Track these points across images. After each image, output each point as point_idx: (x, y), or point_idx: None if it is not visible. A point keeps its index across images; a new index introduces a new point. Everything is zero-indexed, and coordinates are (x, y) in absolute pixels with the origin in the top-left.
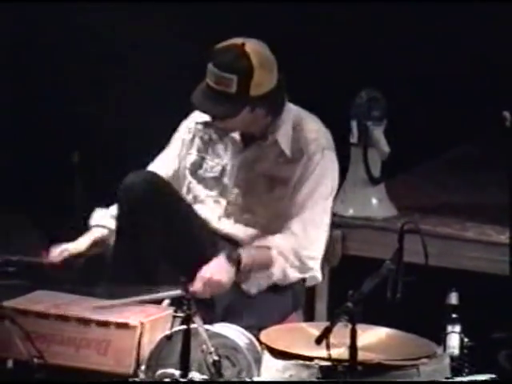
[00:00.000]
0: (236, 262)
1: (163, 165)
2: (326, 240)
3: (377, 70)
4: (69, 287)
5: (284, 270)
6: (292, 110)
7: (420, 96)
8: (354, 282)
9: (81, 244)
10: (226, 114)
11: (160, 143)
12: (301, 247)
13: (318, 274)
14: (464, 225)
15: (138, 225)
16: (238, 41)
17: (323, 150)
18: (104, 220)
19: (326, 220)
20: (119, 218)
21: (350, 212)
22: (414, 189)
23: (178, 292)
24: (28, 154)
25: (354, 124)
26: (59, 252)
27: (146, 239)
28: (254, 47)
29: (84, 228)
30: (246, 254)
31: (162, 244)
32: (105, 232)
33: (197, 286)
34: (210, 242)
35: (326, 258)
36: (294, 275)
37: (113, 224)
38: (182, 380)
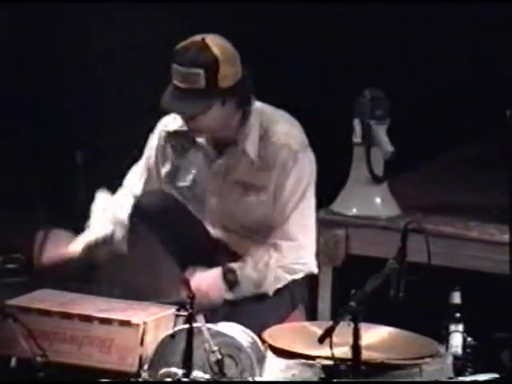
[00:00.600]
0: (230, 282)
1: (139, 178)
2: (315, 235)
3: (380, 69)
4: (73, 286)
5: (276, 277)
6: (259, 112)
7: (424, 95)
8: (357, 282)
9: (75, 248)
10: (198, 111)
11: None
12: (291, 258)
13: (313, 268)
14: (467, 224)
15: (153, 243)
16: (197, 37)
17: (295, 155)
18: (102, 225)
19: (311, 219)
20: (133, 234)
21: (353, 211)
22: (418, 188)
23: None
24: (31, 154)
25: (356, 123)
26: (52, 255)
27: (160, 254)
28: (214, 40)
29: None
30: (240, 274)
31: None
32: (100, 236)
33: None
34: (211, 250)
35: (329, 258)
36: (285, 277)
37: (110, 229)
38: (184, 380)
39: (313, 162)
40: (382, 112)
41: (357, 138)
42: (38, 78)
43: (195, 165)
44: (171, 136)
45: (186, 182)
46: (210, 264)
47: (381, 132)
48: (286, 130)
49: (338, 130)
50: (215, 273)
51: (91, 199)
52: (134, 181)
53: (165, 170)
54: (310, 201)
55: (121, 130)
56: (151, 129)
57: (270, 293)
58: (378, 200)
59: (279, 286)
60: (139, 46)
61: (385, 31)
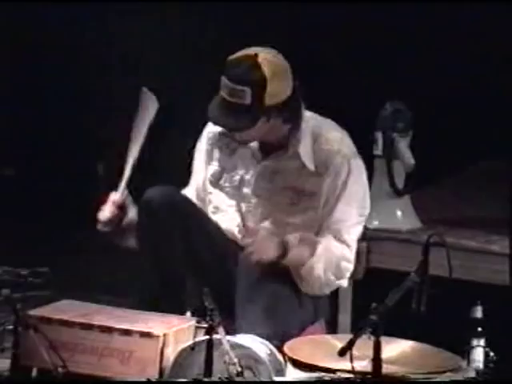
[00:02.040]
0: (283, 251)
1: (195, 182)
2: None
3: (403, 81)
4: (94, 297)
5: (325, 271)
6: (310, 119)
7: (447, 109)
8: (378, 295)
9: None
10: (241, 127)
11: (182, 154)
12: (342, 259)
13: (346, 281)
14: (489, 238)
15: (158, 239)
16: (250, 51)
17: (349, 161)
18: None
19: (361, 229)
20: (139, 232)
21: (375, 224)
22: (439, 201)
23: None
24: (52, 166)
25: (378, 136)
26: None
27: (166, 252)
28: (266, 57)
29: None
30: (294, 249)
31: (183, 256)
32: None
33: (247, 240)
34: (232, 253)
35: None
36: (330, 278)
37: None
38: (186, 380)
39: (364, 169)
40: (404, 124)
41: (378, 150)
42: (60, 88)
43: (242, 165)
44: (218, 137)
45: (232, 182)
46: (224, 265)
47: (403, 145)
48: (338, 137)
49: (360, 143)
50: (273, 238)
51: None
52: (188, 188)
53: (211, 170)
54: (365, 210)
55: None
56: (171, 140)
57: (317, 292)
58: (400, 213)
59: (328, 289)
60: (164, 57)
61: (408, 43)
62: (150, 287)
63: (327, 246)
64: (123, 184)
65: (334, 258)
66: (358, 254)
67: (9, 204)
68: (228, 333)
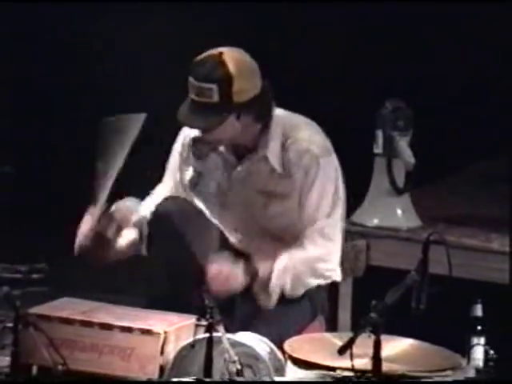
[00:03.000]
0: (251, 274)
1: (165, 187)
2: (342, 244)
3: (403, 79)
4: (94, 295)
5: (300, 280)
6: (281, 119)
7: (447, 107)
8: (378, 293)
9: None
10: (211, 125)
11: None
12: (317, 261)
13: (338, 276)
14: (489, 236)
15: (174, 251)
16: (215, 51)
17: (317, 159)
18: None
19: (339, 227)
20: (153, 242)
21: (375, 222)
22: (440, 200)
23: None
24: (52, 163)
25: (378, 134)
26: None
27: (180, 261)
28: (231, 55)
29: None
30: (262, 269)
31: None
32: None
33: (210, 274)
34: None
35: (350, 269)
36: (311, 282)
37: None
38: (190, 380)
39: (337, 167)
40: (404, 123)
41: (378, 148)
42: (60, 85)
43: (216, 171)
44: (192, 142)
45: (208, 188)
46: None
47: (403, 143)
48: (307, 136)
49: (360, 141)
50: (238, 262)
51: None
52: (160, 190)
53: (188, 176)
54: (337, 207)
55: (143, 139)
56: (169, 138)
57: (293, 295)
58: (400, 211)
59: (303, 290)
60: (167, 55)
61: (407, 42)
62: (155, 288)
63: (291, 255)
64: (102, 199)
65: (303, 264)
66: (358, 252)
67: (8, 201)
68: (228, 331)
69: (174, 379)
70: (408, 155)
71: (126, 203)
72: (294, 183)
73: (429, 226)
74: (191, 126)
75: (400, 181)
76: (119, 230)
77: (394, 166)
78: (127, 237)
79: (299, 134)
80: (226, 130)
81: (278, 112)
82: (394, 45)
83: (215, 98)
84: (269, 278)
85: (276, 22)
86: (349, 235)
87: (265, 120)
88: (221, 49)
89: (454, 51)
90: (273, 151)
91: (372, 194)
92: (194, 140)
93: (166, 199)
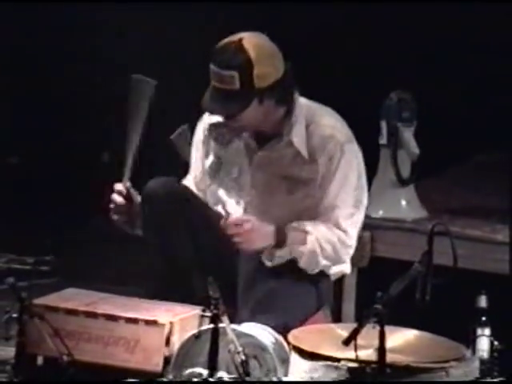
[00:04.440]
0: (279, 240)
1: (195, 174)
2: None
3: (407, 71)
4: (99, 286)
5: (316, 256)
6: (304, 106)
7: (452, 98)
8: (383, 284)
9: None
10: (234, 112)
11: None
12: (338, 241)
13: (347, 268)
14: (494, 227)
15: (162, 230)
16: (235, 37)
17: (342, 146)
18: None
19: (360, 214)
20: (143, 223)
21: (380, 213)
22: (445, 191)
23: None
24: (57, 155)
25: (383, 125)
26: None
27: (171, 242)
28: (251, 40)
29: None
30: (290, 237)
31: (188, 245)
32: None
33: (233, 220)
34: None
35: (355, 259)
36: (325, 264)
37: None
38: (196, 380)
39: (360, 155)
40: (409, 114)
41: (383, 140)
42: (66, 78)
43: (238, 157)
44: (213, 128)
45: (230, 174)
46: (226, 253)
47: (408, 134)
48: (332, 122)
49: (365, 132)
50: (270, 226)
51: None
52: (187, 180)
53: (208, 162)
54: (361, 193)
55: (146, 131)
56: (174, 128)
57: (308, 270)
58: (404, 202)
59: (317, 269)
60: (164, 45)
61: (412, 33)
62: (157, 277)
63: (321, 232)
64: (126, 173)
65: (328, 244)
66: (363, 243)
67: (14, 193)
68: (232, 321)
69: (177, 376)
70: (413, 146)
71: None
72: (317, 168)
73: (433, 217)
74: (214, 113)
75: (405, 172)
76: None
77: (399, 157)
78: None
79: (322, 120)
80: (249, 115)
81: (301, 100)
82: (399, 36)
83: (237, 84)
84: (295, 248)
85: (280, 12)
86: None
87: (288, 104)
88: (241, 34)
89: (458, 43)
90: (297, 136)
91: (377, 185)
92: (216, 126)
93: (154, 179)
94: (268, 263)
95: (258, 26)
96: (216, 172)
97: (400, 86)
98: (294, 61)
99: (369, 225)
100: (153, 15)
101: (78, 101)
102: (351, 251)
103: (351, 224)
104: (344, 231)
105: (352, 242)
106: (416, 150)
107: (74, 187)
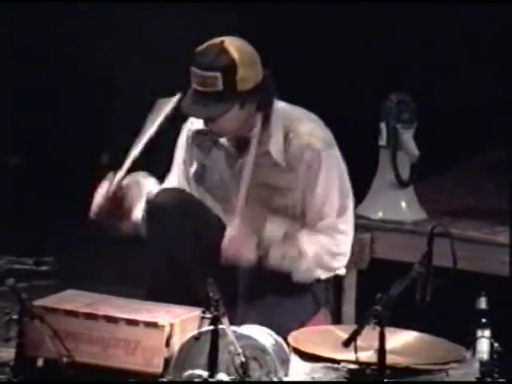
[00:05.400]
0: (263, 251)
1: (176, 178)
2: (353, 235)
3: (407, 72)
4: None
5: (310, 269)
6: (283, 112)
7: (451, 99)
8: (382, 285)
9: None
10: (216, 114)
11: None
12: (329, 255)
13: (342, 271)
14: (494, 229)
15: (170, 241)
16: (216, 40)
17: (320, 154)
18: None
19: (347, 219)
20: (150, 233)
21: (379, 215)
22: (444, 192)
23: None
24: (58, 155)
25: (383, 126)
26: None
27: (178, 252)
28: (233, 43)
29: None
30: (274, 248)
31: (193, 255)
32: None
33: (224, 245)
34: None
35: (354, 261)
36: (318, 274)
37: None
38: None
39: (339, 159)
40: (408, 116)
41: (383, 141)
42: (66, 79)
43: (219, 164)
44: (196, 135)
45: (212, 181)
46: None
47: (407, 136)
48: (309, 129)
49: (365, 134)
50: (252, 236)
51: None
52: (167, 184)
53: (192, 169)
54: (348, 200)
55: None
56: (174, 128)
57: (299, 280)
58: (404, 204)
59: (309, 279)
60: (165, 47)
61: (412, 35)
62: (159, 280)
63: (309, 243)
64: (120, 173)
65: (315, 255)
66: (363, 245)
67: (13, 193)
68: (232, 323)
69: (177, 377)
70: (412, 147)
71: (140, 178)
72: (296, 177)
73: (433, 219)
74: (196, 116)
75: (404, 173)
76: (132, 202)
77: (399, 159)
78: (137, 212)
79: (301, 128)
80: (229, 119)
81: (280, 105)
82: (398, 38)
83: (219, 86)
84: (278, 261)
85: (278, 12)
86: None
87: (267, 109)
88: (221, 38)
89: (457, 44)
90: (275, 145)
91: (376, 187)
92: (198, 132)
93: (163, 190)
94: (269, 264)
95: (257, 25)
96: (200, 178)
97: (399, 87)
98: (291, 62)
99: (368, 226)
100: (152, 15)
101: (78, 101)
102: (343, 258)
103: (338, 231)
104: (332, 239)
105: (341, 249)
106: (416, 152)
107: (74, 188)
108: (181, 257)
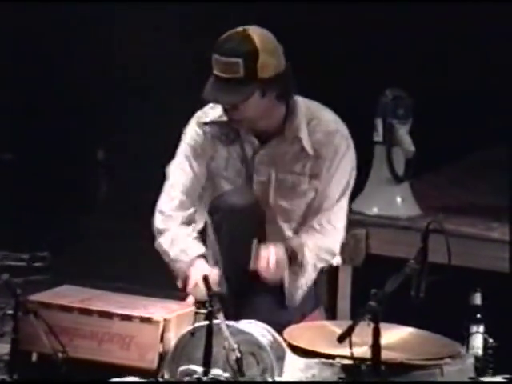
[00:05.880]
0: (290, 256)
1: (188, 172)
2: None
3: (403, 68)
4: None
5: (317, 267)
6: (302, 103)
7: (447, 95)
8: (377, 281)
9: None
10: (237, 100)
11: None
12: (331, 241)
13: (338, 260)
14: (488, 225)
15: (238, 242)
16: (239, 28)
17: (347, 140)
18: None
19: (345, 214)
20: (219, 232)
21: (374, 211)
22: (439, 189)
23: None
24: (53, 152)
25: (378, 122)
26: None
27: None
28: (256, 31)
29: (107, 226)
30: (297, 252)
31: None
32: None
33: (262, 264)
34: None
35: (349, 257)
36: (320, 266)
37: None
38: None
39: (354, 153)
40: (404, 111)
41: (378, 137)
42: (62, 76)
43: (242, 155)
44: (210, 126)
45: (234, 172)
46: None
47: (403, 132)
48: (333, 117)
49: (360, 129)
50: (278, 247)
51: (112, 195)
52: (183, 181)
53: (213, 160)
54: (346, 193)
55: (141, 129)
56: (171, 126)
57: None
58: (399, 200)
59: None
60: (164, 45)
61: (408, 30)
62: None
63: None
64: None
65: (318, 262)
66: (358, 240)
67: (8, 189)
68: (228, 319)
69: (172, 372)
70: (408, 143)
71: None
72: (322, 163)
73: (428, 215)
74: (218, 103)
75: (400, 169)
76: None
77: (394, 155)
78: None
79: (323, 116)
80: (251, 107)
81: (299, 98)
82: (394, 34)
83: (241, 72)
84: (301, 261)
85: (274, 9)
86: (348, 224)
87: (287, 100)
88: (244, 26)
89: (454, 40)
90: (302, 131)
91: (372, 183)
92: (214, 123)
93: (234, 192)
94: (298, 298)
95: (255, 22)
96: (220, 169)
97: (395, 83)
98: (290, 59)
99: (363, 222)
100: (152, 15)
101: (74, 98)
102: (338, 250)
103: (341, 222)
104: (334, 232)
105: (339, 243)
106: (411, 148)
107: (69, 184)
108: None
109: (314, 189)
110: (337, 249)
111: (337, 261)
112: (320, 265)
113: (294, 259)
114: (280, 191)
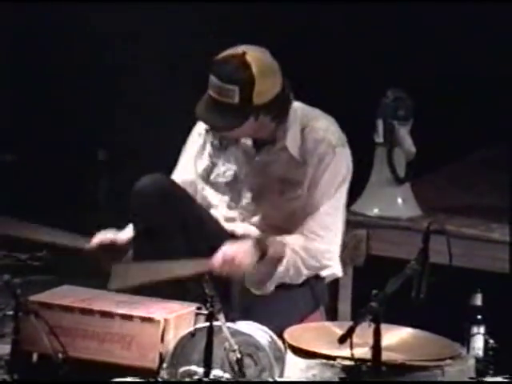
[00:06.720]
0: (261, 250)
1: (185, 172)
2: (342, 234)
3: (403, 69)
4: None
5: (297, 267)
6: (299, 110)
7: (448, 96)
8: (378, 282)
9: (122, 235)
10: (229, 126)
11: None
12: (316, 247)
13: (337, 270)
14: (489, 226)
15: (152, 228)
16: (238, 50)
17: (334, 149)
18: None
19: (340, 216)
20: (133, 222)
21: (375, 212)
22: (440, 189)
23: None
24: (53, 152)
25: (379, 123)
26: (100, 238)
27: (161, 241)
28: (254, 55)
29: (108, 225)
30: (271, 247)
31: (178, 245)
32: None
33: (217, 260)
34: (225, 240)
35: (350, 258)
36: (309, 273)
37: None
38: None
39: (349, 160)
40: (404, 112)
41: (379, 138)
42: (62, 76)
43: (235, 161)
44: (210, 133)
45: (224, 177)
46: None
47: (403, 132)
48: (325, 126)
49: (361, 130)
50: (246, 241)
51: (113, 195)
52: (181, 176)
53: (202, 165)
54: (341, 199)
55: (143, 129)
56: (174, 127)
57: (292, 282)
58: (400, 201)
59: (299, 280)
60: (164, 45)
61: (408, 31)
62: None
63: (298, 242)
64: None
65: (300, 262)
66: (359, 241)
67: (8, 190)
68: (228, 320)
69: (172, 373)
70: (409, 144)
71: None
72: (307, 170)
73: (429, 216)
74: (210, 125)
75: (400, 170)
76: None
77: (395, 156)
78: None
79: (317, 124)
80: (244, 129)
81: (297, 104)
82: (395, 35)
83: (236, 99)
84: (277, 259)
85: (275, 9)
86: (349, 225)
87: (282, 119)
88: (244, 47)
89: (454, 41)
90: (291, 141)
91: (372, 184)
92: (214, 131)
93: (145, 177)
94: (268, 290)
95: (256, 24)
96: (209, 175)
97: (396, 84)
98: (291, 59)
99: (364, 223)
100: (151, 14)
101: (74, 98)
102: (333, 255)
103: (331, 230)
104: (323, 237)
105: (332, 247)
106: (412, 149)
107: (70, 184)
108: (168, 244)
109: (298, 197)
110: (322, 257)
111: (336, 271)
112: (300, 265)
113: (269, 252)
114: (268, 198)
